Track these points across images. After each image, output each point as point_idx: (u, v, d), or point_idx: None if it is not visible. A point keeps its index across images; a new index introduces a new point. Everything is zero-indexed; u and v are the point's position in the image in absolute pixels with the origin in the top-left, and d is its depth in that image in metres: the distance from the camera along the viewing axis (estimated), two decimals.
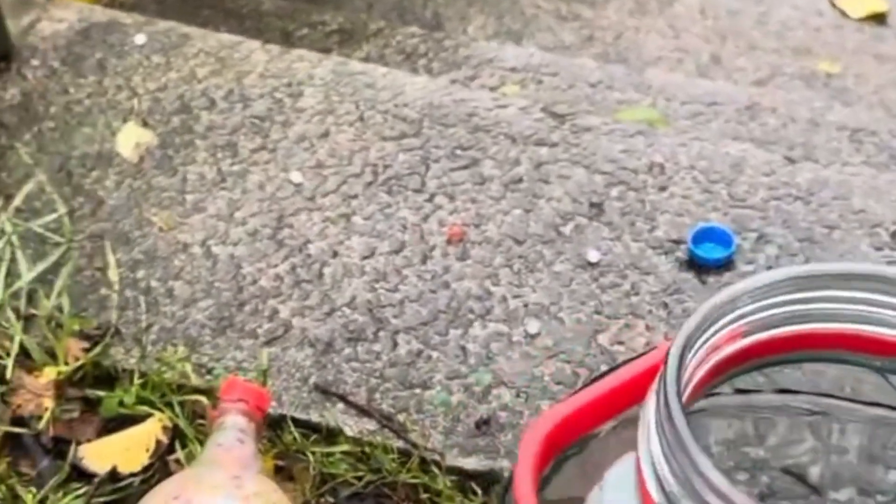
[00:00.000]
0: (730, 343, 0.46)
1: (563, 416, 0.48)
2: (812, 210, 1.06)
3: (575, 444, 0.49)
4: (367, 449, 0.90)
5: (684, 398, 0.42)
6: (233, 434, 0.82)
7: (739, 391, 0.48)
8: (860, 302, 0.47)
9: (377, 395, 0.94)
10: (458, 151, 1.14)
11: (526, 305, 1.00)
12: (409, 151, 1.14)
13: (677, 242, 1.04)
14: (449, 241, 1.06)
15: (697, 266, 1.02)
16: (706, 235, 1.03)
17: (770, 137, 1.41)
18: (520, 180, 1.11)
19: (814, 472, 0.60)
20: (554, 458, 0.48)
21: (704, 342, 0.44)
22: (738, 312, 0.45)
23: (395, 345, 0.98)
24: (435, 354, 0.97)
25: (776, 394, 0.54)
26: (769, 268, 1.01)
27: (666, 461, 0.42)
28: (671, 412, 0.41)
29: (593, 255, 1.04)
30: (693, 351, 0.44)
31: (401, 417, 0.93)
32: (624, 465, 0.46)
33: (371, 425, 0.92)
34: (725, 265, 1.02)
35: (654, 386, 0.44)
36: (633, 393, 0.48)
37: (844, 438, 0.55)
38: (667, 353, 0.43)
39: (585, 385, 0.54)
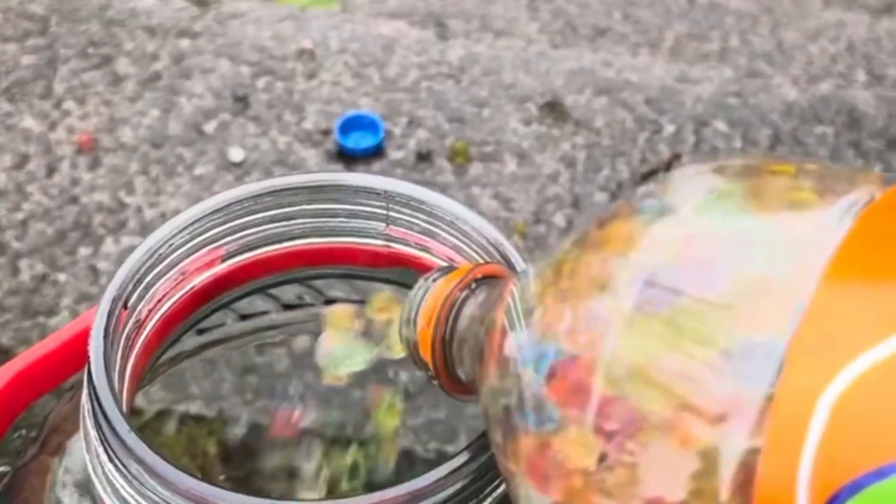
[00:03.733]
0: (202, 272, 0.40)
1: (23, 366, 0.41)
2: (463, 89, 1.02)
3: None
4: None
5: (146, 341, 0.36)
6: None
7: (244, 317, 0.43)
8: (325, 214, 0.42)
9: None
10: (90, 50, 1.04)
11: (163, 215, 0.93)
12: (34, 53, 1.03)
13: (326, 133, 0.99)
14: (79, 151, 0.96)
15: (346, 157, 0.97)
16: (354, 124, 0.98)
17: (449, 11, 1.36)
18: (158, 77, 1.02)
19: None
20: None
21: (151, 284, 0.38)
22: (195, 242, 0.39)
23: (17, 271, 0.89)
24: (62, 277, 0.89)
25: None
26: (419, 153, 0.97)
27: (109, 458, 0.35)
28: (104, 407, 0.34)
29: (237, 154, 0.97)
30: (136, 301, 0.38)
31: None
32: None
33: None
34: (376, 153, 0.97)
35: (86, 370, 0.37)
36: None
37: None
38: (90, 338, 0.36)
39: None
